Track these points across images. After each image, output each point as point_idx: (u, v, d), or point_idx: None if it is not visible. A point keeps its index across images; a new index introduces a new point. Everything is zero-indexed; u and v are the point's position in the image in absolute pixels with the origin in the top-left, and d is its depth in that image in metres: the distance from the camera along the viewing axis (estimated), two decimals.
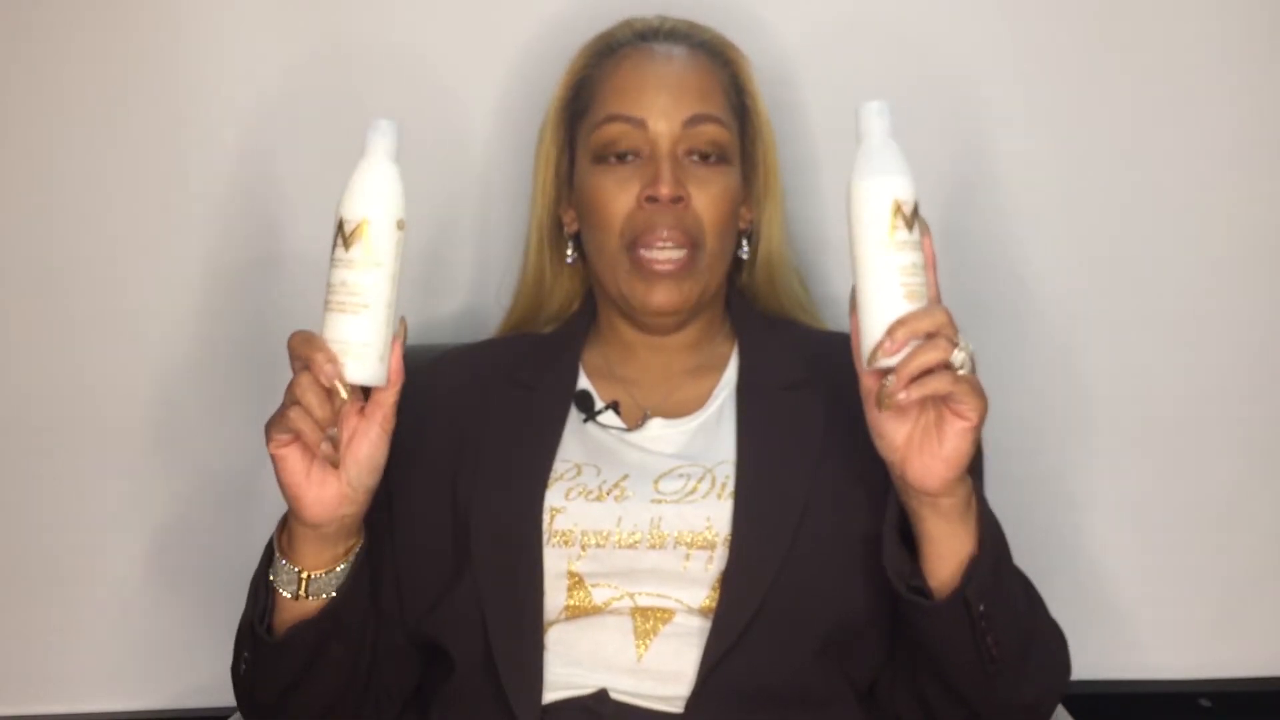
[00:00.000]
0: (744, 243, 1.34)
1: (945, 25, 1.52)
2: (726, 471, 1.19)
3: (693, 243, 1.24)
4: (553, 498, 1.18)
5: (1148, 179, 1.53)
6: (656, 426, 1.25)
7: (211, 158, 1.53)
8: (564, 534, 1.17)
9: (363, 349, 1.06)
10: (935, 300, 1.04)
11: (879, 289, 1.02)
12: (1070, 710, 1.34)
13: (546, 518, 1.17)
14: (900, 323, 1.01)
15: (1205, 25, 1.51)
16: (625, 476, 1.19)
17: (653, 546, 1.16)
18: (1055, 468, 1.55)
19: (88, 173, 1.53)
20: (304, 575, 1.12)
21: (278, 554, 1.12)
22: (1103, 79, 1.52)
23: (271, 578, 1.12)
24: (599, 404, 1.26)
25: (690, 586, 1.15)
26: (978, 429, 1.04)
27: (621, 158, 1.26)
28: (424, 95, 1.52)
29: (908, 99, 1.50)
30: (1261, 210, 1.54)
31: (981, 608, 1.07)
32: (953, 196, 1.51)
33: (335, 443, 1.07)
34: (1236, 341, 1.55)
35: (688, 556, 1.15)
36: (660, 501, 1.17)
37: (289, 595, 1.12)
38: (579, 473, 1.20)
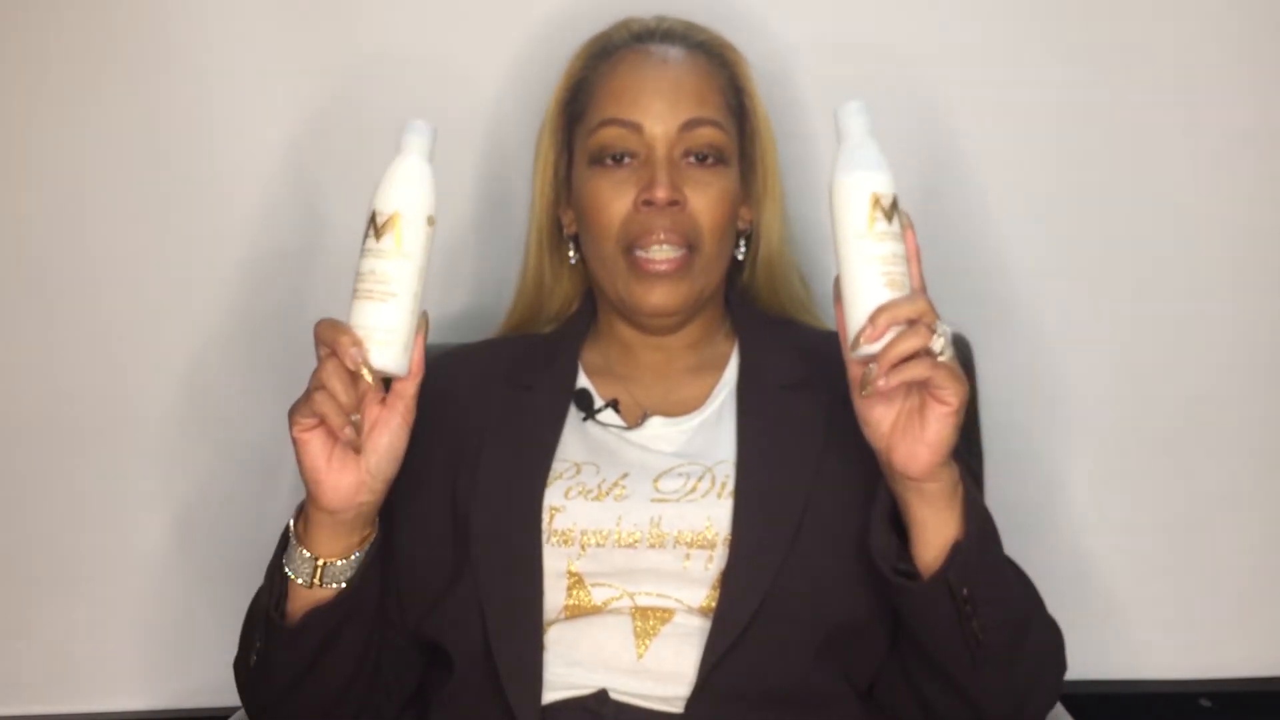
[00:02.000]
0: (742, 244, 1.33)
1: (948, 23, 1.52)
2: (726, 471, 1.19)
3: (690, 245, 1.24)
4: (552, 497, 1.18)
5: (1143, 178, 1.53)
6: (656, 425, 1.25)
7: (235, 153, 1.54)
8: (563, 533, 1.17)
9: (388, 335, 1.07)
10: (919, 289, 1.06)
11: (860, 277, 1.05)
12: (1070, 710, 1.33)
13: (546, 517, 1.17)
14: (881, 309, 1.03)
15: (1204, 25, 1.51)
16: (625, 475, 1.19)
17: (652, 546, 1.15)
18: (1055, 468, 1.55)
19: (120, 167, 1.53)
20: (319, 563, 1.12)
21: (294, 540, 1.13)
22: (1094, 77, 1.52)
23: (285, 565, 1.13)
24: (598, 402, 1.26)
25: (690, 586, 1.15)
26: (959, 413, 1.05)
27: (618, 160, 1.26)
28: (422, 95, 1.51)
29: (910, 97, 1.51)
30: (1259, 210, 1.54)
31: (965, 591, 1.07)
32: (947, 189, 1.52)
33: (358, 428, 1.08)
34: (1236, 342, 1.55)
35: (687, 556, 1.15)
36: (660, 501, 1.17)
37: (303, 583, 1.12)
38: (578, 471, 1.20)
